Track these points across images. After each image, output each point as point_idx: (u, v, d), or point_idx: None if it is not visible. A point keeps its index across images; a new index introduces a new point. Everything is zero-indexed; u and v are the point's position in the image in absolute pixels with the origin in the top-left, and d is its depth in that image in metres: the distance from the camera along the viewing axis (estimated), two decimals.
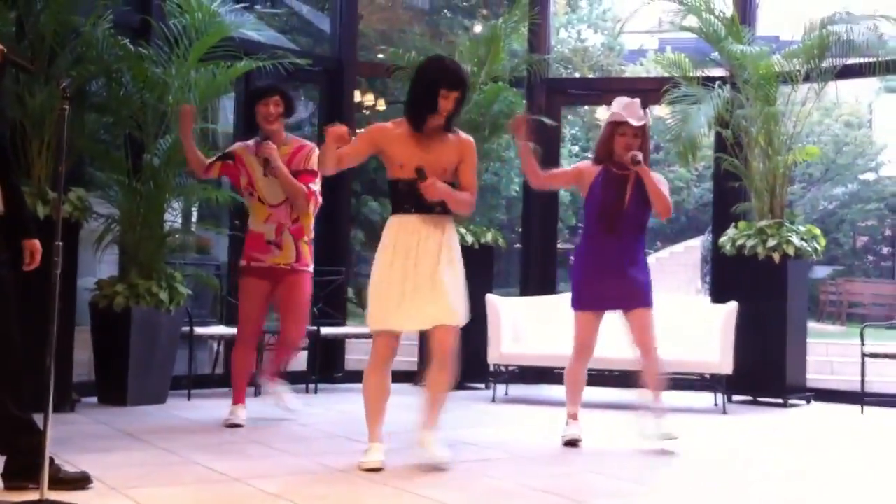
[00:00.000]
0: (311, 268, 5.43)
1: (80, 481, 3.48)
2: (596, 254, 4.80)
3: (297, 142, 5.42)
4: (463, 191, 4.25)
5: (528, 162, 4.82)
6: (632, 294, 4.76)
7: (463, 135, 4.32)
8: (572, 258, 5.12)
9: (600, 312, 4.85)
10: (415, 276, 4.10)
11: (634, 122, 4.67)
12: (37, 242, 3.61)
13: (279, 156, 5.20)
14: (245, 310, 5.38)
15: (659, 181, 4.71)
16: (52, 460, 3.30)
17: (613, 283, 4.73)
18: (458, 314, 4.17)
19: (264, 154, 5.20)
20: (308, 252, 5.39)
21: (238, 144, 5.48)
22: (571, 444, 4.83)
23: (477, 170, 4.36)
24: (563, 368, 7.43)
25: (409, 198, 4.17)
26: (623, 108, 4.73)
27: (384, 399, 4.22)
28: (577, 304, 4.87)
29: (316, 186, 5.30)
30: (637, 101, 4.80)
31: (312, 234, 5.44)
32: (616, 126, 4.72)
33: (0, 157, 3.56)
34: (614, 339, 6.65)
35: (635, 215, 4.76)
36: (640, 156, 4.60)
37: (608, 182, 4.76)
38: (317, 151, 5.18)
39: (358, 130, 5.02)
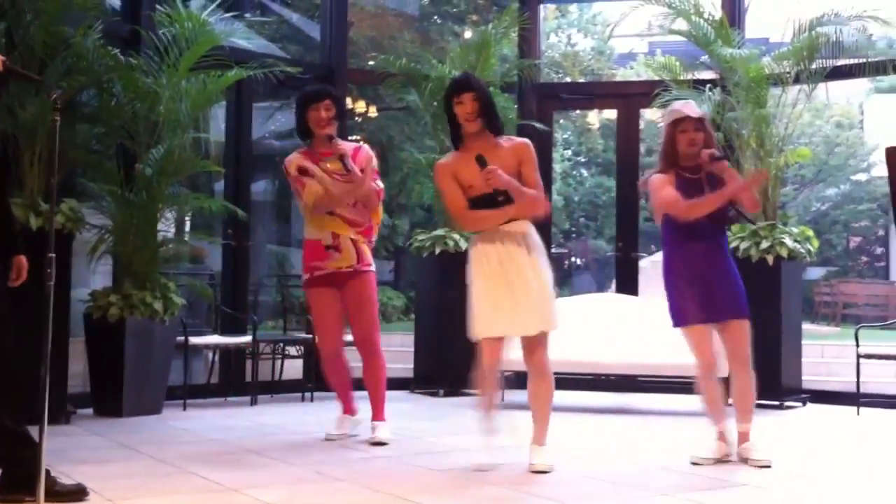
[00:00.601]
0: (373, 267, 5.16)
1: (76, 493, 3.46)
2: (685, 264, 4.52)
3: (349, 145, 5.20)
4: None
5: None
6: (725, 304, 4.49)
7: (517, 138, 4.43)
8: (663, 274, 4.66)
9: (709, 324, 4.53)
10: (503, 286, 4.22)
11: (693, 114, 4.48)
12: (23, 258, 3.61)
13: (332, 161, 5.02)
14: (321, 323, 5.13)
15: (733, 174, 4.52)
16: (48, 473, 3.29)
17: (707, 293, 4.46)
18: (544, 322, 4.30)
19: (340, 152, 4.95)
20: (368, 253, 5.13)
21: (292, 161, 5.06)
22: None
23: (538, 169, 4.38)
24: (561, 374, 7.47)
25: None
26: (679, 106, 4.57)
27: (494, 403, 4.45)
28: (683, 319, 4.53)
29: (381, 185, 5.14)
30: (691, 101, 4.67)
31: (376, 236, 5.26)
32: (676, 125, 4.49)
33: None
34: (609, 344, 6.69)
35: (715, 217, 4.52)
36: (716, 152, 4.44)
37: (684, 187, 4.48)
38: (372, 152, 5.14)
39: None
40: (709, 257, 4.52)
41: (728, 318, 4.49)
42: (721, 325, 4.53)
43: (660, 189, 4.52)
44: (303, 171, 5.00)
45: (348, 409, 5.26)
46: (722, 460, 4.50)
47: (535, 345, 4.34)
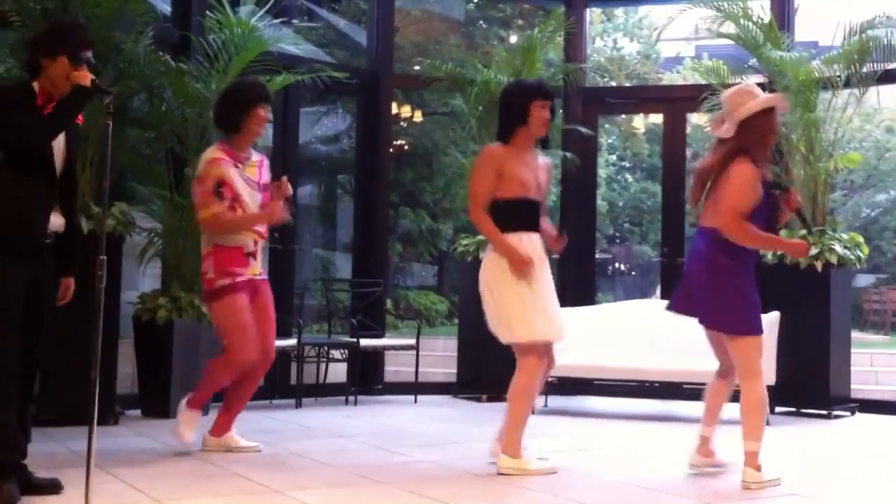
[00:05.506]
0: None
1: (51, 488, 3.53)
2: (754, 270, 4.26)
3: (256, 155, 4.99)
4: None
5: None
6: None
7: (540, 154, 4.66)
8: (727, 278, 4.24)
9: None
10: (541, 290, 4.40)
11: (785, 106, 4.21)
12: (71, 281, 3.71)
13: (250, 166, 4.87)
14: (246, 329, 4.68)
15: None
16: (24, 467, 3.45)
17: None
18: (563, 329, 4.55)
19: (286, 193, 4.96)
20: None
21: (218, 166, 4.71)
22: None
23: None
24: (601, 380, 7.46)
25: (532, 217, 4.47)
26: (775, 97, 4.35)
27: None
28: (760, 328, 4.23)
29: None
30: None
31: None
32: (773, 112, 4.24)
33: (68, 181, 3.60)
34: (654, 350, 6.64)
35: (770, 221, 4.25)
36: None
37: (765, 199, 4.13)
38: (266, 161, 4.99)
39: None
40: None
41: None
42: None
43: (746, 185, 4.00)
44: (220, 185, 4.68)
45: (228, 428, 4.86)
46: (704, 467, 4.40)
47: (552, 351, 4.57)
